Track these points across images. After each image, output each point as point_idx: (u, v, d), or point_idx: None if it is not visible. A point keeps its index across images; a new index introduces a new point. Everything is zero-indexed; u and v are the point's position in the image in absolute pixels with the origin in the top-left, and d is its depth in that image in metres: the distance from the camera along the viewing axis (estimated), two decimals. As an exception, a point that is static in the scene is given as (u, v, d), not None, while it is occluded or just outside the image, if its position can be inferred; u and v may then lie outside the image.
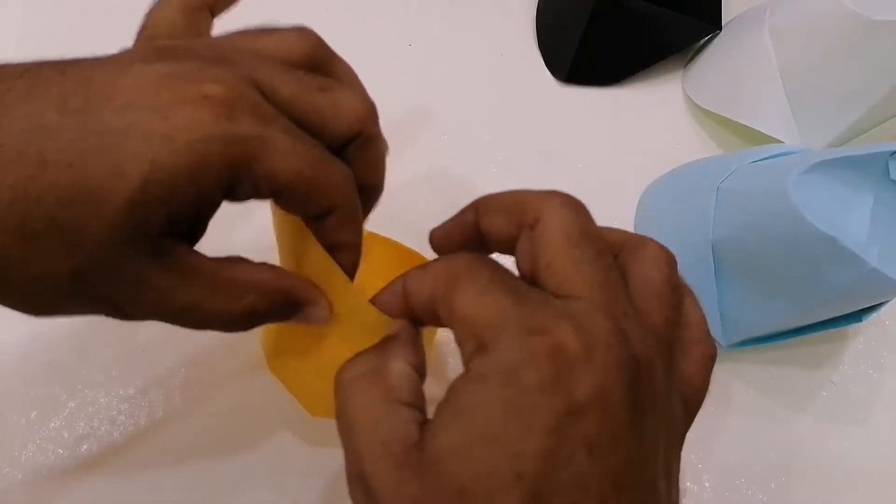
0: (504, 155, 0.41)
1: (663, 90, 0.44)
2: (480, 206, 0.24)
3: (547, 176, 0.41)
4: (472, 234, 0.24)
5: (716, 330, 0.33)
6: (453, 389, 0.18)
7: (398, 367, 0.20)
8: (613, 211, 0.39)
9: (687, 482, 0.32)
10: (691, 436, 0.33)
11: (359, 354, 0.21)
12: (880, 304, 0.31)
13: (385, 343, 0.21)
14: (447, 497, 0.17)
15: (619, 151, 0.42)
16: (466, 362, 0.18)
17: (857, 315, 0.32)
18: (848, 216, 0.29)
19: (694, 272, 0.33)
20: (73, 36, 0.45)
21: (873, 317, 0.32)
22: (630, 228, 0.38)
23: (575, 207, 0.22)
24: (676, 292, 0.21)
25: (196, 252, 0.20)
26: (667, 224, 0.35)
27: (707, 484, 0.32)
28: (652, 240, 0.22)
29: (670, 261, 0.21)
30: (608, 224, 0.40)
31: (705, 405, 0.34)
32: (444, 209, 0.39)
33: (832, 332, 0.33)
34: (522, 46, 0.46)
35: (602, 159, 0.41)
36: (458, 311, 0.19)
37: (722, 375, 0.35)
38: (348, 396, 0.20)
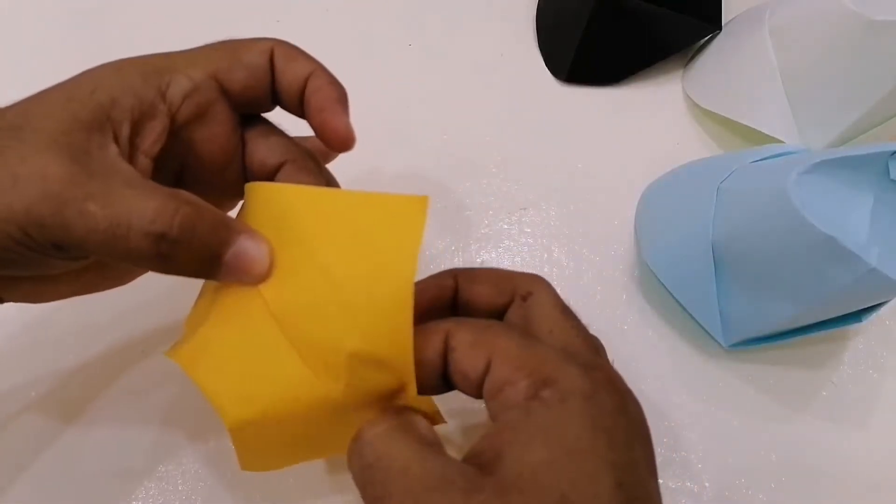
0: (504, 155, 0.42)
1: (663, 90, 0.44)
2: (461, 276, 0.26)
3: (547, 176, 0.41)
4: (447, 297, 0.26)
5: (716, 330, 0.33)
6: (515, 418, 0.20)
7: (419, 418, 0.23)
8: (613, 211, 0.39)
9: (687, 482, 0.32)
10: (691, 436, 0.33)
11: (379, 414, 0.22)
12: (880, 305, 0.31)
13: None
14: None
15: (619, 151, 0.42)
16: (525, 397, 0.20)
17: (857, 315, 0.32)
18: (848, 216, 0.29)
19: (694, 272, 0.33)
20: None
21: (873, 317, 0.32)
22: (630, 228, 0.38)
23: (552, 287, 0.26)
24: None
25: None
26: (667, 224, 0.35)
27: (707, 484, 0.32)
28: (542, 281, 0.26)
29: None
30: (609, 223, 0.40)
31: (705, 405, 0.34)
32: (444, 209, 0.40)
33: (832, 332, 0.33)
34: (522, 46, 0.46)
35: (602, 159, 0.41)
36: (507, 360, 0.21)
37: (722, 375, 0.35)
38: (384, 448, 0.21)
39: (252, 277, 0.23)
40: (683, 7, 0.43)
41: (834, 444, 0.33)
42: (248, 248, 0.22)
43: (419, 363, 0.22)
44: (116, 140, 0.22)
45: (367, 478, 0.21)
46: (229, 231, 0.22)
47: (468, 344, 0.22)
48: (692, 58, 0.46)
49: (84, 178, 0.20)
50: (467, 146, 0.42)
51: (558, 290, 0.37)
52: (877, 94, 0.36)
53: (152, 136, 0.23)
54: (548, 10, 0.47)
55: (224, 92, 0.25)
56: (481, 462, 0.20)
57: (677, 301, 0.34)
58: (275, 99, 0.26)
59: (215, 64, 0.24)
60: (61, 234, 0.20)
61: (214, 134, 0.25)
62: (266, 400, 0.23)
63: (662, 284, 0.35)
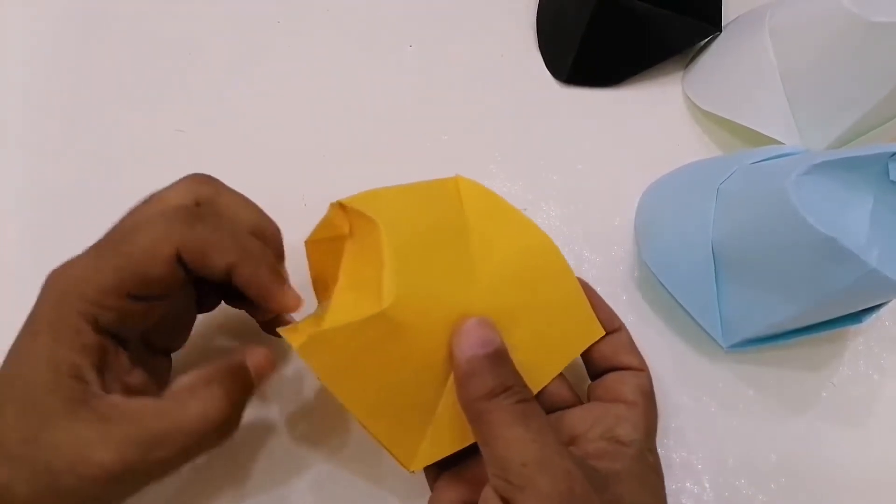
0: (504, 156, 0.42)
1: (663, 91, 0.45)
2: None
3: (547, 177, 0.41)
4: None
5: (715, 330, 0.33)
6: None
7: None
8: (613, 212, 0.39)
9: (687, 482, 0.32)
10: (691, 436, 0.33)
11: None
12: (880, 305, 0.31)
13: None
14: None
15: (619, 152, 0.42)
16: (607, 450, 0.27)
17: (857, 316, 0.32)
18: (848, 217, 0.29)
19: (694, 273, 0.33)
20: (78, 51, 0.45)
21: (873, 317, 0.32)
22: (630, 229, 0.38)
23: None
24: None
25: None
26: (667, 225, 0.35)
27: (707, 484, 0.32)
28: None
29: None
30: (609, 223, 0.40)
31: (705, 406, 0.34)
32: (445, 210, 0.39)
33: (832, 332, 0.33)
34: (523, 47, 0.46)
35: (602, 160, 0.41)
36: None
37: (722, 376, 0.35)
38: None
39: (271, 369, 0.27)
40: (683, 8, 0.43)
41: (834, 444, 0.33)
42: (257, 360, 0.27)
43: None
44: (109, 389, 0.25)
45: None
46: (244, 368, 0.26)
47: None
48: (692, 59, 0.46)
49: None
50: (467, 147, 0.42)
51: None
52: (876, 95, 0.36)
53: (115, 363, 0.26)
54: (548, 12, 0.47)
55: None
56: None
57: (677, 301, 0.34)
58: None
59: (123, 284, 0.25)
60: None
61: (156, 317, 0.27)
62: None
63: (662, 285, 0.35)
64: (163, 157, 0.40)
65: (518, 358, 0.26)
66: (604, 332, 0.31)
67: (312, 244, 0.29)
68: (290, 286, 0.28)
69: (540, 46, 0.46)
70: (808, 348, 0.35)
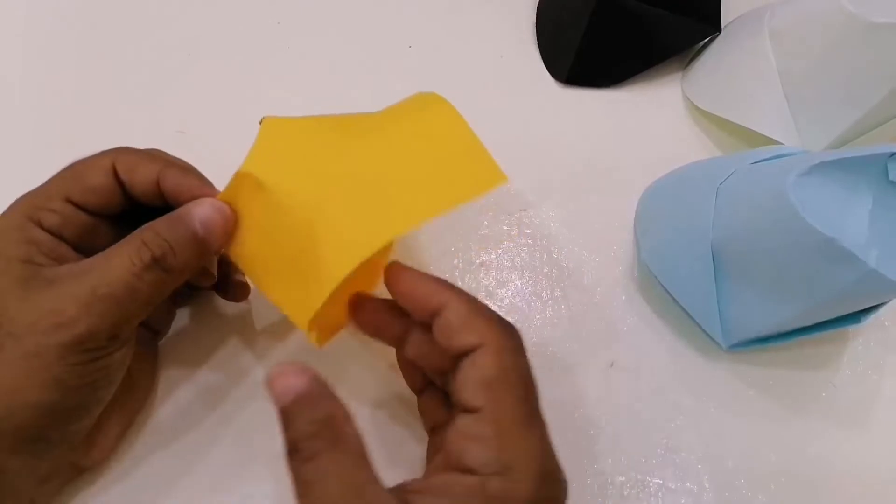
0: (504, 156, 0.41)
1: (663, 92, 0.45)
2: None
3: (547, 177, 0.41)
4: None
5: (715, 331, 0.33)
6: None
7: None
8: (613, 212, 0.39)
9: (687, 482, 0.32)
10: (691, 436, 0.33)
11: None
12: (879, 306, 0.31)
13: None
14: None
15: (618, 153, 0.42)
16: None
17: (857, 316, 0.32)
18: (847, 217, 0.29)
19: (693, 273, 0.33)
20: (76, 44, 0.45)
21: (872, 318, 0.32)
22: (630, 229, 0.38)
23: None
24: None
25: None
26: (667, 225, 0.35)
27: (707, 484, 0.32)
28: None
29: None
30: (609, 224, 0.40)
31: (705, 406, 0.34)
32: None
33: (831, 333, 0.33)
34: (522, 48, 0.46)
35: (602, 160, 0.41)
36: (502, 415, 0.23)
37: (721, 376, 0.35)
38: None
39: (226, 225, 0.27)
40: (683, 9, 0.43)
41: (833, 444, 0.33)
42: (204, 213, 0.26)
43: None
44: (60, 262, 0.26)
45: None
46: (184, 218, 0.26)
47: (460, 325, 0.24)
48: (692, 60, 0.46)
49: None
50: (467, 147, 0.42)
51: (558, 291, 0.37)
52: (876, 95, 0.36)
53: (72, 256, 0.27)
54: (548, 13, 0.47)
55: (85, 210, 0.28)
56: None
57: (677, 302, 0.34)
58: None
59: (66, 191, 0.27)
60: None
61: (104, 244, 0.27)
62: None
63: (662, 285, 0.35)
64: (163, 157, 0.40)
65: (394, 192, 0.25)
66: (507, 179, 0.27)
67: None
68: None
69: (540, 46, 0.46)
70: (808, 348, 0.35)
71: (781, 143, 0.38)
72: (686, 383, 0.35)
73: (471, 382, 0.23)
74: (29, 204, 0.27)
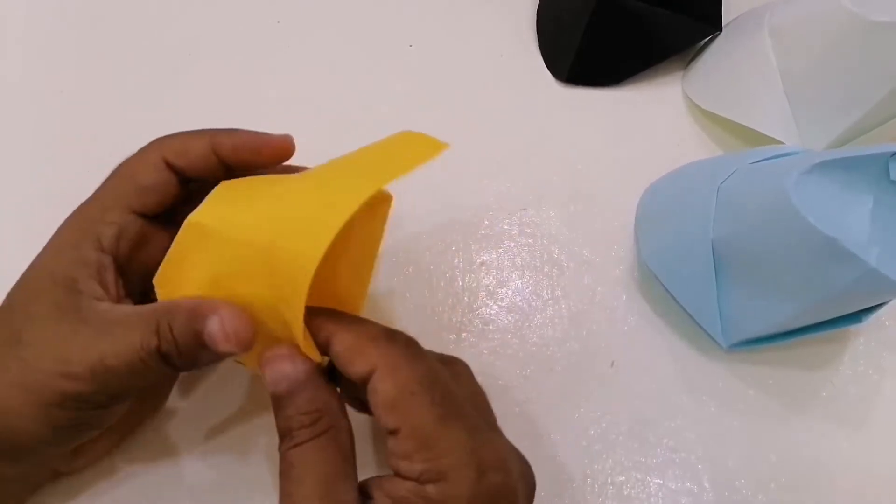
0: (504, 155, 0.42)
1: (663, 91, 0.45)
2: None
3: (547, 177, 0.41)
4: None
5: (715, 330, 0.33)
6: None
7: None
8: (613, 211, 0.39)
9: (687, 482, 0.32)
10: (691, 436, 0.33)
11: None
12: (880, 305, 0.31)
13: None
14: None
15: (619, 152, 0.42)
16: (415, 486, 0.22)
17: (857, 316, 0.32)
18: (848, 217, 0.29)
19: (694, 273, 0.33)
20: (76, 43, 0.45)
21: (873, 317, 0.32)
22: (630, 229, 0.38)
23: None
24: None
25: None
26: (667, 225, 0.35)
27: (707, 484, 0.32)
28: None
29: None
30: (609, 223, 0.40)
31: (705, 406, 0.34)
32: (444, 209, 0.40)
33: (832, 332, 0.32)
34: (522, 47, 0.46)
35: (602, 160, 0.41)
36: (416, 429, 0.22)
37: (722, 376, 0.35)
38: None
39: (240, 344, 0.24)
40: (683, 8, 0.43)
41: (834, 444, 0.33)
42: (222, 323, 0.24)
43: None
44: (102, 298, 0.25)
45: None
46: (200, 319, 0.24)
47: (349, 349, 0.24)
48: (692, 59, 0.46)
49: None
50: (467, 147, 0.42)
51: (558, 290, 0.37)
52: (876, 95, 0.36)
53: (113, 283, 0.26)
54: (548, 11, 0.47)
55: (142, 216, 0.27)
56: None
57: (677, 302, 0.34)
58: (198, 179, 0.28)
59: (123, 198, 0.27)
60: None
61: (158, 250, 0.26)
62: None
63: (662, 285, 0.35)
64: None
65: (338, 182, 0.24)
66: (447, 146, 0.26)
67: None
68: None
69: (540, 46, 0.46)
70: (808, 348, 0.35)
71: (782, 143, 0.38)
72: (686, 383, 0.35)
73: (378, 409, 0.23)
74: (85, 218, 0.26)
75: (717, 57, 0.44)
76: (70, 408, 0.24)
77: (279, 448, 0.23)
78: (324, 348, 0.24)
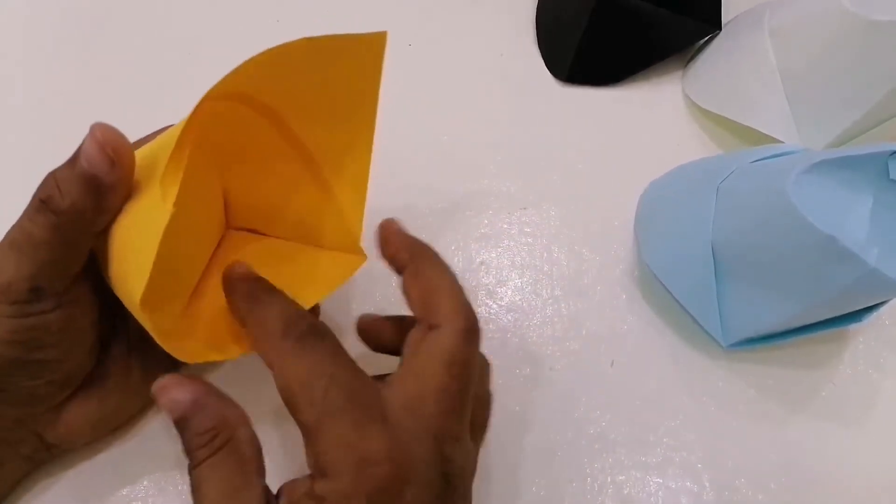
0: (504, 155, 0.42)
1: (663, 90, 0.44)
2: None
3: (547, 176, 0.41)
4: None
5: (715, 330, 0.33)
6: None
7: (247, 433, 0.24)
8: (613, 211, 0.39)
9: (687, 482, 0.32)
10: (691, 436, 0.33)
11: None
12: (880, 304, 0.31)
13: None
14: None
15: (619, 151, 0.42)
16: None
17: (857, 315, 0.32)
18: (847, 216, 0.29)
19: (694, 272, 0.33)
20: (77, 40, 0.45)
21: (873, 317, 0.32)
22: (630, 228, 0.38)
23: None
24: None
25: None
26: (667, 224, 0.35)
27: (707, 484, 0.32)
28: None
29: None
30: (609, 223, 0.40)
31: (705, 405, 0.34)
32: (445, 209, 0.40)
33: (832, 332, 0.33)
34: (522, 46, 0.46)
35: (602, 159, 0.41)
36: (302, 424, 0.24)
37: (722, 375, 0.35)
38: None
39: (111, 159, 0.25)
40: (683, 8, 0.43)
41: (834, 444, 0.33)
42: (93, 136, 0.25)
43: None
44: None
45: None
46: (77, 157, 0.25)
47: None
48: (692, 58, 0.46)
49: None
50: (467, 146, 0.42)
51: (558, 290, 0.37)
52: (876, 94, 0.36)
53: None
54: (548, 11, 0.47)
55: None
56: None
57: (677, 301, 0.34)
58: None
59: None
60: None
61: None
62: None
63: (662, 284, 0.35)
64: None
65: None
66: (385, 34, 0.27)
67: None
68: None
69: (540, 46, 0.46)
70: (808, 348, 0.35)
71: (782, 142, 0.38)
72: (686, 383, 0.35)
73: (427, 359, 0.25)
74: None
75: (716, 56, 0.44)
76: (3, 313, 0.24)
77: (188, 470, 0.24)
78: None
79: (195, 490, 0.23)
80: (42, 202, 0.24)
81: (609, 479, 0.32)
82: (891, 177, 0.28)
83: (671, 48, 0.44)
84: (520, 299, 0.37)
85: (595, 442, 0.33)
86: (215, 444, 0.23)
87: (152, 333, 0.25)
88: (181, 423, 0.24)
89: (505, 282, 0.37)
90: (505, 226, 0.39)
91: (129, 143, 0.25)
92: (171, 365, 0.31)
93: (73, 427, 0.29)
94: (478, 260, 0.38)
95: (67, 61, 0.44)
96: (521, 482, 0.31)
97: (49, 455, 0.29)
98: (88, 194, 0.25)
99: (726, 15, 0.45)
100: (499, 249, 0.38)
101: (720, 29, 0.44)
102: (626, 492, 0.32)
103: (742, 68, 0.41)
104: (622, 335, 0.36)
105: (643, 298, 0.37)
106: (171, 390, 0.24)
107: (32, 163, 0.40)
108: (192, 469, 0.23)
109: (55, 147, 0.41)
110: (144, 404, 0.31)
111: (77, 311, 0.26)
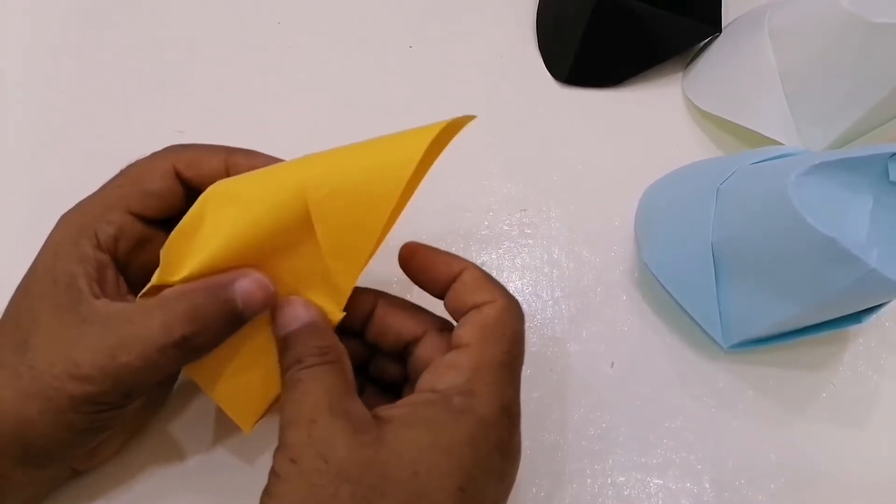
0: (504, 156, 0.42)
1: (663, 92, 0.45)
2: (382, 299, 0.29)
3: (547, 177, 0.41)
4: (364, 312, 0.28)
5: (715, 331, 0.33)
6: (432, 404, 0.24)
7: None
8: (613, 212, 0.39)
9: (687, 482, 0.32)
10: (691, 437, 0.33)
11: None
12: (880, 306, 0.31)
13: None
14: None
15: (619, 153, 0.42)
16: (444, 396, 0.24)
17: (857, 316, 0.32)
18: (848, 218, 0.29)
19: (694, 274, 0.33)
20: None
21: (873, 318, 0.32)
22: (630, 229, 0.38)
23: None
24: None
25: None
26: (667, 225, 0.35)
27: (707, 485, 0.32)
28: None
29: None
30: (609, 224, 0.40)
31: (705, 406, 0.34)
32: (445, 210, 0.40)
33: (832, 333, 0.33)
34: (522, 48, 0.46)
35: (602, 161, 0.41)
36: (484, 355, 0.25)
37: (722, 376, 0.35)
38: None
39: (266, 302, 0.25)
40: (683, 9, 0.43)
41: (834, 445, 0.33)
42: (246, 287, 0.25)
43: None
44: (99, 295, 0.25)
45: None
46: (225, 288, 0.25)
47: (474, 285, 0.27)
48: (692, 60, 0.46)
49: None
50: (467, 147, 0.42)
51: (558, 291, 0.37)
52: (876, 96, 0.36)
53: (113, 281, 0.26)
54: (548, 12, 0.47)
55: (144, 219, 0.27)
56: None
57: (677, 302, 0.34)
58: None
59: (125, 200, 0.27)
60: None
61: (156, 254, 0.26)
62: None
63: (662, 285, 0.35)
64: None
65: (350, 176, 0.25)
66: (471, 118, 0.28)
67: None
68: None
69: (540, 46, 0.46)
70: (808, 348, 0.35)
71: (782, 144, 0.38)
72: (686, 383, 0.35)
73: (469, 324, 0.25)
74: (84, 214, 0.26)
75: (716, 58, 0.44)
76: (85, 411, 0.24)
77: (285, 373, 0.24)
78: (450, 279, 0.27)
79: (294, 386, 0.23)
80: (184, 339, 0.24)
81: (609, 480, 0.32)
82: (891, 178, 0.28)
83: (671, 50, 0.44)
84: (520, 300, 0.36)
85: (595, 443, 0.33)
86: (327, 357, 0.24)
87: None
88: (296, 336, 0.24)
89: (505, 283, 0.37)
90: (505, 227, 0.39)
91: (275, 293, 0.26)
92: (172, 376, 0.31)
93: (105, 456, 0.29)
94: (478, 261, 0.38)
95: (67, 61, 0.44)
96: (522, 482, 0.31)
97: (72, 478, 0.30)
98: (231, 334, 0.25)
99: (726, 16, 0.45)
100: (499, 251, 0.38)
101: (720, 30, 0.44)
102: (626, 493, 0.32)
103: (742, 70, 0.41)
104: (622, 336, 0.36)
105: (643, 299, 0.37)
106: (297, 307, 0.25)
107: (32, 164, 0.41)
108: (299, 369, 0.24)
109: (55, 148, 0.41)
110: (156, 410, 0.32)
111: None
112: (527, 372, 0.34)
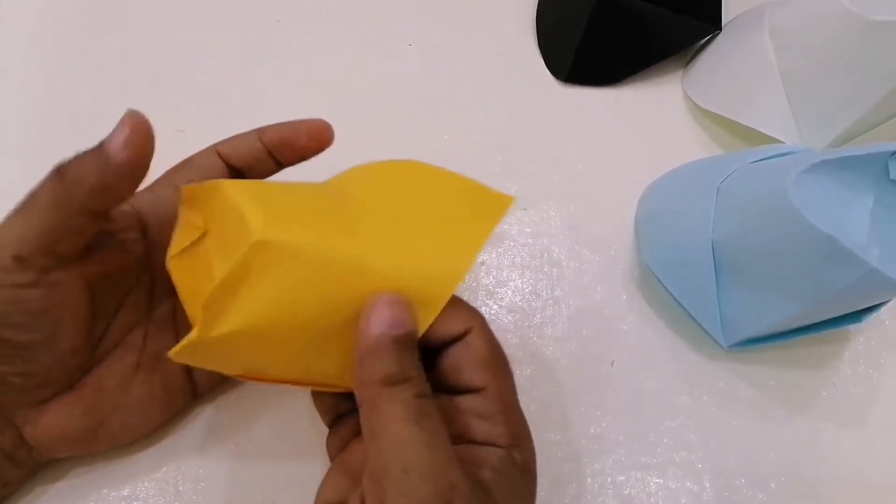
0: (504, 155, 0.42)
1: (663, 90, 0.44)
2: None
3: (547, 176, 0.41)
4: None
5: (716, 330, 0.33)
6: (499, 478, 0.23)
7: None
8: (613, 211, 0.39)
9: (687, 482, 0.32)
10: (691, 436, 0.33)
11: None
12: (880, 305, 0.31)
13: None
14: None
15: (619, 151, 0.42)
16: (503, 459, 0.24)
17: (857, 315, 0.32)
18: (848, 216, 0.29)
19: (694, 272, 0.33)
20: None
21: (873, 317, 0.32)
22: (630, 228, 0.38)
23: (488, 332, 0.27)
24: None
25: None
26: (667, 224, 0.35)
27: (707, 484, 0.32)
28: None
29: None
30: (609, 223, 0.40)
31: (705, 405, 0.34)
32: (445, 209, 0.39)
33: (832, 332, 0.33)
34: (522, 46, 0.46)
35: (602, 159, 0.41)
36: (502, 392, 0.25)
37: (722, 375, 0.35)
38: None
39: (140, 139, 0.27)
40: (683, 7, 0.43)
41: (834, 444, 0.33)
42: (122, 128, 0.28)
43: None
44: None
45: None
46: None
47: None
48: (692, 58, 0.46)
49: None
50: (467, 147, 0.42)
51: (558, 290, 0.37)
52: (876, 94, 0.36)
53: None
54: (548, 11, 0.47)
55: None
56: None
57: (677, 301, 0.34)
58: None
59: (174, 175, 0.30)
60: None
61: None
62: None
63: (662, 284, 0.35)
64: (163, 156, 0.40)
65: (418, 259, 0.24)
66: (512, 199, 0.27)
67: (176, 260, 0.26)
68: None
69: (540, 46, 0.46)
70: (808, 348, 0.35)
71: (782, 142, 0.38)
72: (686, 383, 0.35)
73: (468, 363, 0.24)
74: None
75: (716, 56, 0.44)
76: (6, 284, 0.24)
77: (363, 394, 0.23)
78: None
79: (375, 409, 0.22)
80: (55, 169, 0.25)
81: (609, 480, 0.32)
82: (891, 177, 0.28)
83: (671, 48, 0.44)
84: (520, 300, 0.37)
85: (595, 442, 0.33)
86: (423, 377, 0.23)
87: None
88: (403, 342, 0.23)
89: (505, 282, 0.37)
90: (505, 226, 0.39)
91: (151, 132, 0.27)
92: (182, 394, 0.31)
93: (53, 431, 0.27)
94: (478, 260, 0.38)
95: (67, 61, 0.44)
96: (522, 482, 0.31)
97: (31, 458, 0.28)
98: (96, 167, 0.25)
99: (726, 15, 0.45)
100: (499, 250, 0.38)
101: (720, 29, 0.44)
102: (626, 492, 0.32)
103: (742, 68, 0.41)
104: (622, 335, 0.36)
105: (643, 298, 0.37)
106: (402, 307, 0.23)
107: (32, 164, 0.41)
108: (409, 389, 0.22)
109: (55, 148, 0.41)
110: (141, 432, 0.30)
111: (58, 297, 0.25)
112: (527, 371, 0.34)
